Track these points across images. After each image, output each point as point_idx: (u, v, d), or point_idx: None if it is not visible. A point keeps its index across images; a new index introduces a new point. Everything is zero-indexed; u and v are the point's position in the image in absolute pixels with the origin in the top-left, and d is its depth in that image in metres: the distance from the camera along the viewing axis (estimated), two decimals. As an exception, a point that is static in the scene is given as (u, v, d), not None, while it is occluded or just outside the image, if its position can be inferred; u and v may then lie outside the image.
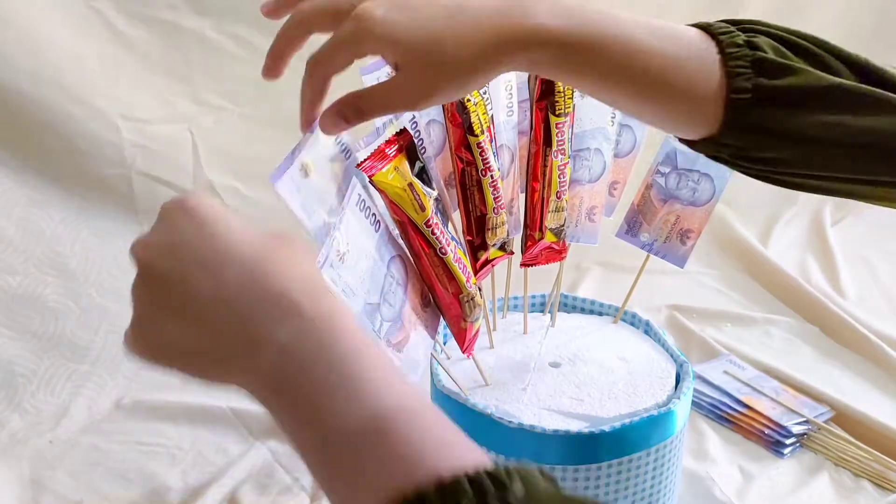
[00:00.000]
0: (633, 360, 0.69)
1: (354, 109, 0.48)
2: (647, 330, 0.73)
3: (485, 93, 0.60)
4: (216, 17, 1.00)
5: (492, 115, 0.61)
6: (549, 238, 0.68)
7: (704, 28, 0.46)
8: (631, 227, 0.73)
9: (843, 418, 0.89)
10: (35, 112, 0.91)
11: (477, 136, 0.59)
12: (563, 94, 0.62)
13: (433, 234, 0.55)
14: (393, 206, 0.54)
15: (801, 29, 0.49)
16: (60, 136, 0.93)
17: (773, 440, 0.86)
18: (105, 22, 0.94)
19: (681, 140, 0.48)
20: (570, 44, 0.43)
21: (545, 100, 0.63)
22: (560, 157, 0.64)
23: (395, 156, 0.54)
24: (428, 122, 0.62)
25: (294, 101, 1.20)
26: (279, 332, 0.36)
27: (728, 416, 0.90)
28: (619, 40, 0.44)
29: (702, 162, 0.69)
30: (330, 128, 0.49)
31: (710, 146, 0.46)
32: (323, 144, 0.54)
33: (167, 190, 1.01)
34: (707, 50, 0.45)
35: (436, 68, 0.44)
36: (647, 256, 0.73)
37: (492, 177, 0.61)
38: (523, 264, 0.71)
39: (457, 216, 0.65)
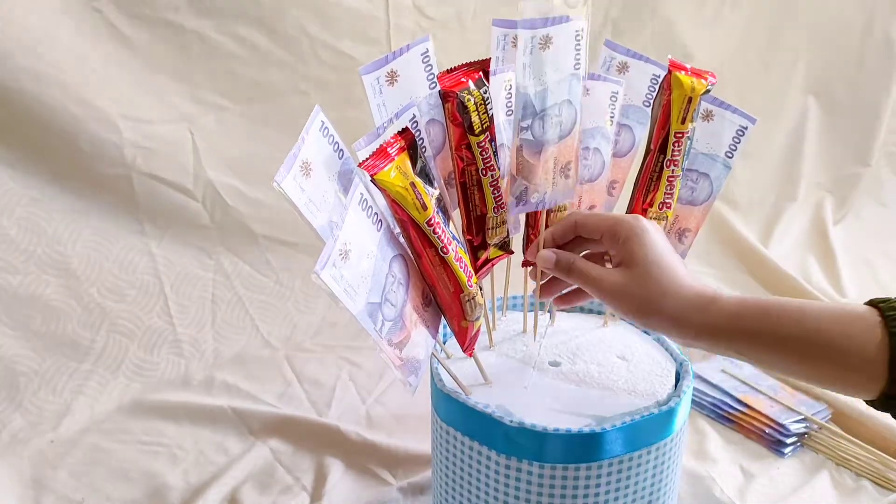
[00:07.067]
0: (632, 359, 0.69)
1: (566, 268, 0.61)
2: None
3: (485, 92, 0.60)
4: (217, 18, 1.00)
5: (492, 115, 0.61)
6: (549, 237, 0.68)
7: (867, 303, 0.53)
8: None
9: (844, 418, 0.89)
10: (36, 112, 0.91)
11: (477, 135, 0.59)
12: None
13: (434, 233, 0.56)
14: (394, 205, 0.54)
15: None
16: (61, 135, 0.94)
17: (773, 439, 0.86)
18: (106, 22, 0.94)
19: (866, 401, 0.54)
20: (745, 309, 0.55)
21: (546, 99, 0.62)
22: (560, 156, 0.64)
23: (396, 155, 0.54)
24: (428, 122, 0.62)
25: (295, 101, 1.20)
26: None
27: (729, 415, 0.90)
28: (787, 307, 0.53)
29: (699, 161, 0.69)
30: (540, 261, 0.62)
31: (885, 404, 0.51)
32: (319, 144, 0.54)
33: (168, 189, 1.01)
34: (868, 315, 0.51)
35: (639, 303, 0.57)
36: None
37: (492, 176, 0.61)
38: (524, 263, 0.71)
39: (456, 215, 0.65)
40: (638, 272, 0.58)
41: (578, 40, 0.60)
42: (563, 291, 0.66)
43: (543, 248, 0.63)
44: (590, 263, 0.60)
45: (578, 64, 0.61)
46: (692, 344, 0.60)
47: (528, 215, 0.68)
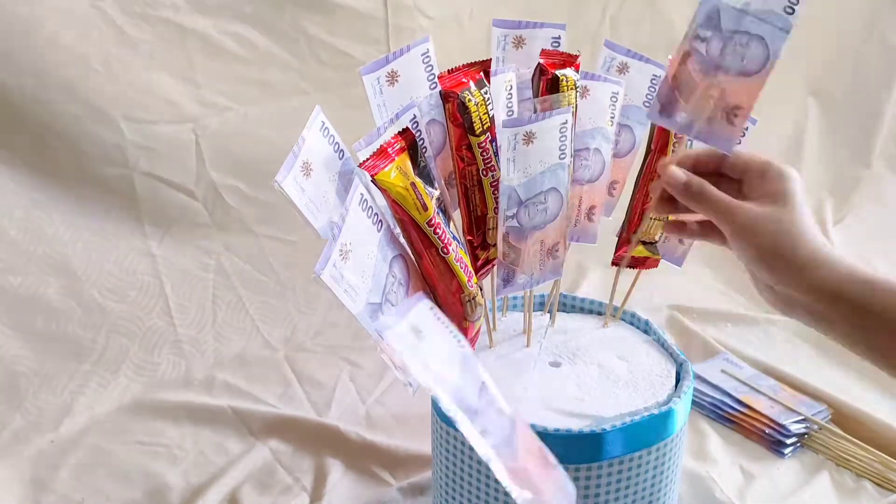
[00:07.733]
0: (632, 360, 0.69)
1: (696, 192, 0.55)
2: (647, 329, 0.74)
3: (486, 92, 0.60)
4: (220, 18, 1.00)
5: (492, 115, 0.61)
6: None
7: None
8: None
9: (844, 418, 0.89)
10: (38, 112, 0.91)
11: (478, 135, 0.60)
12: (565, 96, 0.62)
13: (435, 233, 0.56)
14: (395, 205, 0.54)
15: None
16: (63, 136, 0.94)
17: (774, 440, 0.86)
18: (109, 22, 0.94)
19: None
20: (853, 276, 0.51)
21: (546, 100, 0.62)
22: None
23: (397, 155, 0.54)
24: (429, 122, 0.62)
25: (295, 101, 1.20)
26: None
27: (729, 415, 0.90)
28: (892, 283, 0.50)
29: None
30: (666, 177, 0.56)
31: None
32: (320, 144, 0.54)
33: (170, 190, 1.01)
34: None
35: (776, 240, 0.53)
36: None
37: (493, 176, 0.61)
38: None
39: (457, 215, 0.65)
40: (786, 208, 0.53)
41: (563, 132, 0.59)
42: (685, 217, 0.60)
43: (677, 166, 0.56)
44: (722, 193, 0.55)
45: (564, 154, 0.60)
46: (794, 299, 0.55)
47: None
